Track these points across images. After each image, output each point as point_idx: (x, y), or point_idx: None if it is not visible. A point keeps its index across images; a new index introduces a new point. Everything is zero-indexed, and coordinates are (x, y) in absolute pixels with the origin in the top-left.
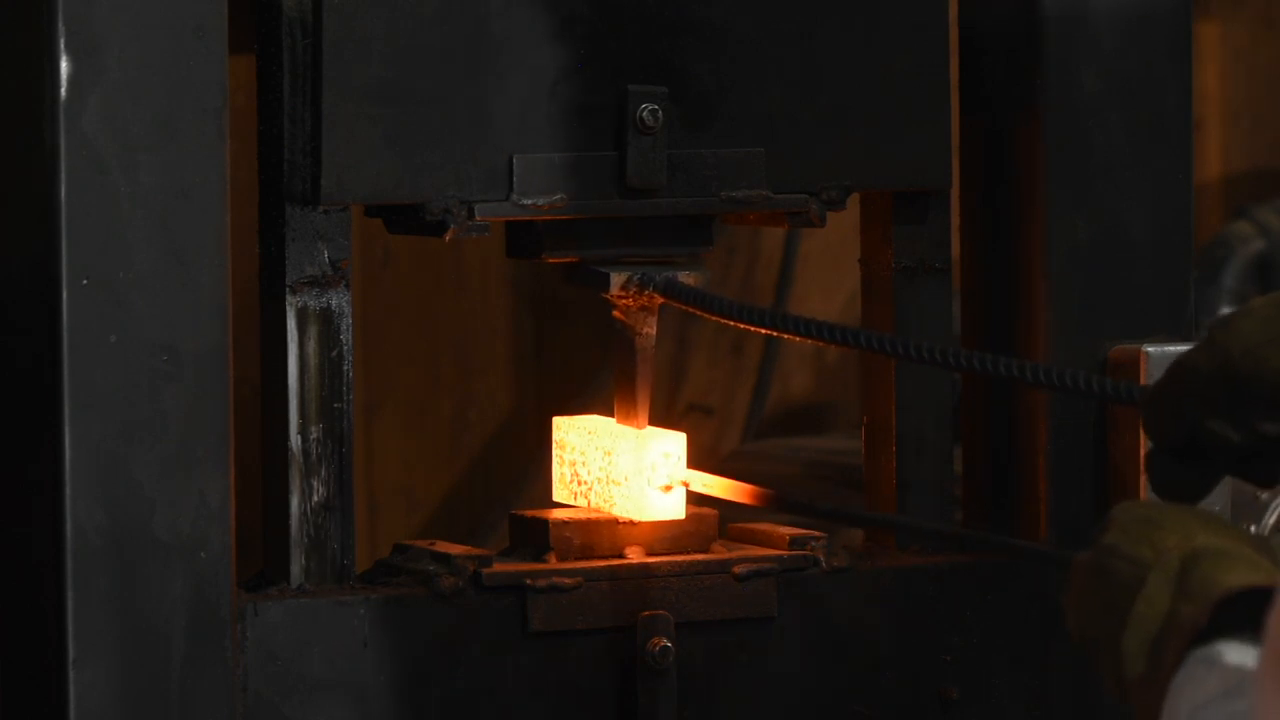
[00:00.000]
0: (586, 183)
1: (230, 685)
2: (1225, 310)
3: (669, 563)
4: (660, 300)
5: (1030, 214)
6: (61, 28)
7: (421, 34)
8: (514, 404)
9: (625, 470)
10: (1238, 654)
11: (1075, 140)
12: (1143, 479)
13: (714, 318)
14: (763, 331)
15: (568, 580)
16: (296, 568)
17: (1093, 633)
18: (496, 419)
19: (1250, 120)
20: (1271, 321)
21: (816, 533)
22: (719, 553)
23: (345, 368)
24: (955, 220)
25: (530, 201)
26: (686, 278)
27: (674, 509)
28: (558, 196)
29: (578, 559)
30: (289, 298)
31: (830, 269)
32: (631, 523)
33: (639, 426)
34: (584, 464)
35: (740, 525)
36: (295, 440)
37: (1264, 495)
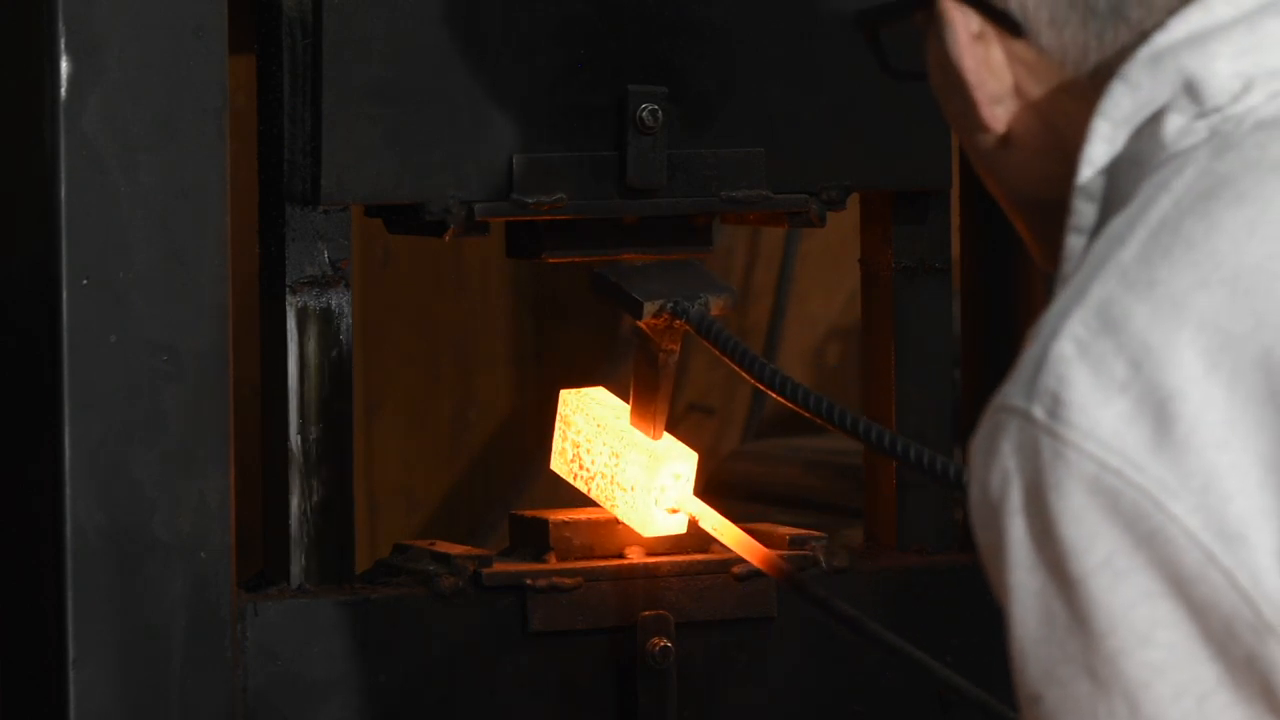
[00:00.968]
0: (586, 183)
1: (230, 685)
2: None
3: (669, 563)
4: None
5: None
6: (61, 28)
7: (421, 34)
8: (514, 404)
9: (633, 480)
10: None
11: None
12: None
13: (737, 369)
14: (770, 392)
15: (568, 580)
16: (296, 568)
17: None
18: (496, 419)
19: None
20: None
21: (816, 533)
22: (719, 553)
23: (345, 368)
24: (955, 220)
25: (530, 201)
26: (716, 304)
27: (677, 526)
28: (557, 196)
29: (578, 559)
30: (289, 298)
31: (830, 269)
32: None
33: (654, 437)
34: (588, 451)
35: (740, 525)
36: (295, 440)
37: None
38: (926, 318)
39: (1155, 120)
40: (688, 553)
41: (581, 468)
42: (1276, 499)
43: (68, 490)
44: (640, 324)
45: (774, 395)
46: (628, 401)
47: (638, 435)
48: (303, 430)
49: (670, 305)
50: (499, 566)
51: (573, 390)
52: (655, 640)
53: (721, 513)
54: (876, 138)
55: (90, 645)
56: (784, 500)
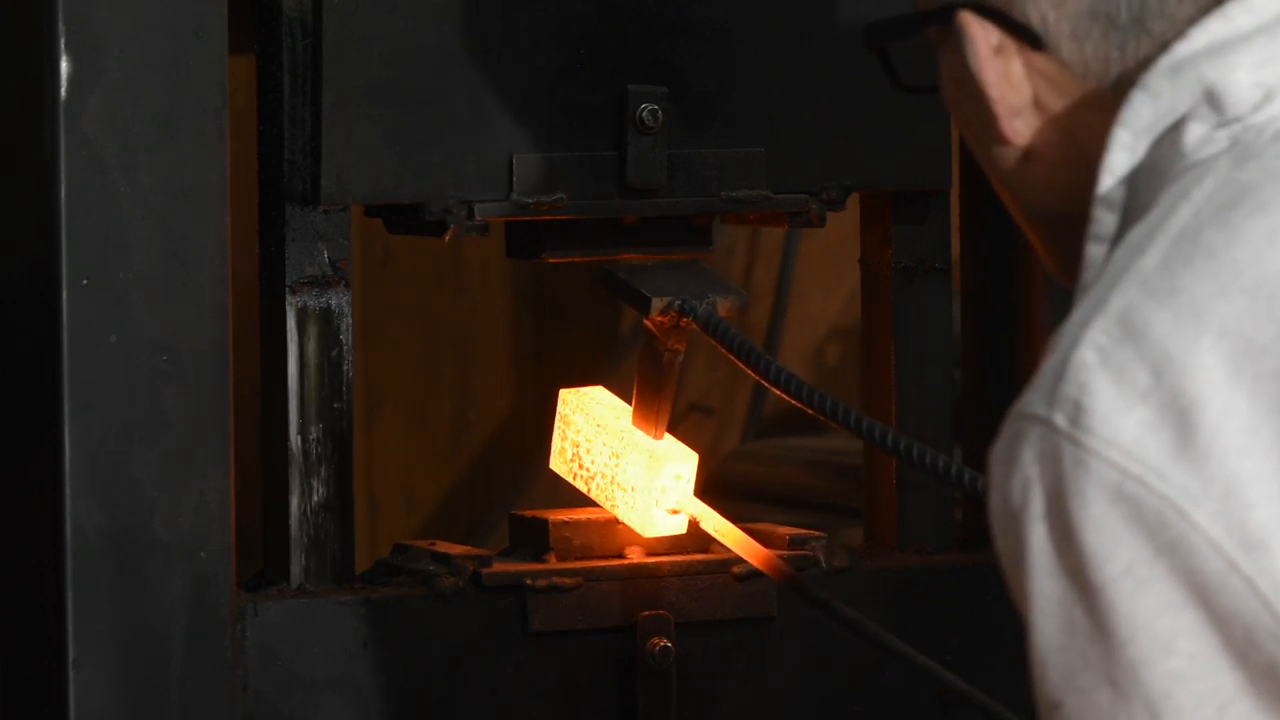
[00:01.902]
0: (586, 183)
1: (230, 685)
2: None
3: (669, 563)
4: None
5: None
6: (61, 28)
7: (421, 34)
8: (514, 404)
9: (633, 481)
10: None
11: None
12: None
13: (745, 368)
14: (781, 394)
15: (568, 580)
16: (296, 568)
17: None
18: (496, 419)
19: None
20: None
21: (816, 533)
22: (719, 553)
23: (345, 368)
24: (955, 220)
25: (530, 201)
26: (724, 305)
27: (677, 527)
28: (557, 196)
29: (578, 559)
30: (289, 298)
31: (830, 269)
32: None
33: (656, 437)
34: (588, 451)
35: (740, 525)
36: (295, 440)
37: None
38: (926, 318)
39: (1176, 129)
40: (688, 553)
41: (581, 467)
42: None
43: (68, 490)
44: (647, 322)
45: (785, 396)
46: (628, 401)
47: (638, 435)
48: (303, 430)
49: (678, 303)
50: (499, 566)
51: (572, 390)
52: (655, 640)
53: (721, 513)
54: (876, 138)
55: (90, 645)
56: (784, 500)
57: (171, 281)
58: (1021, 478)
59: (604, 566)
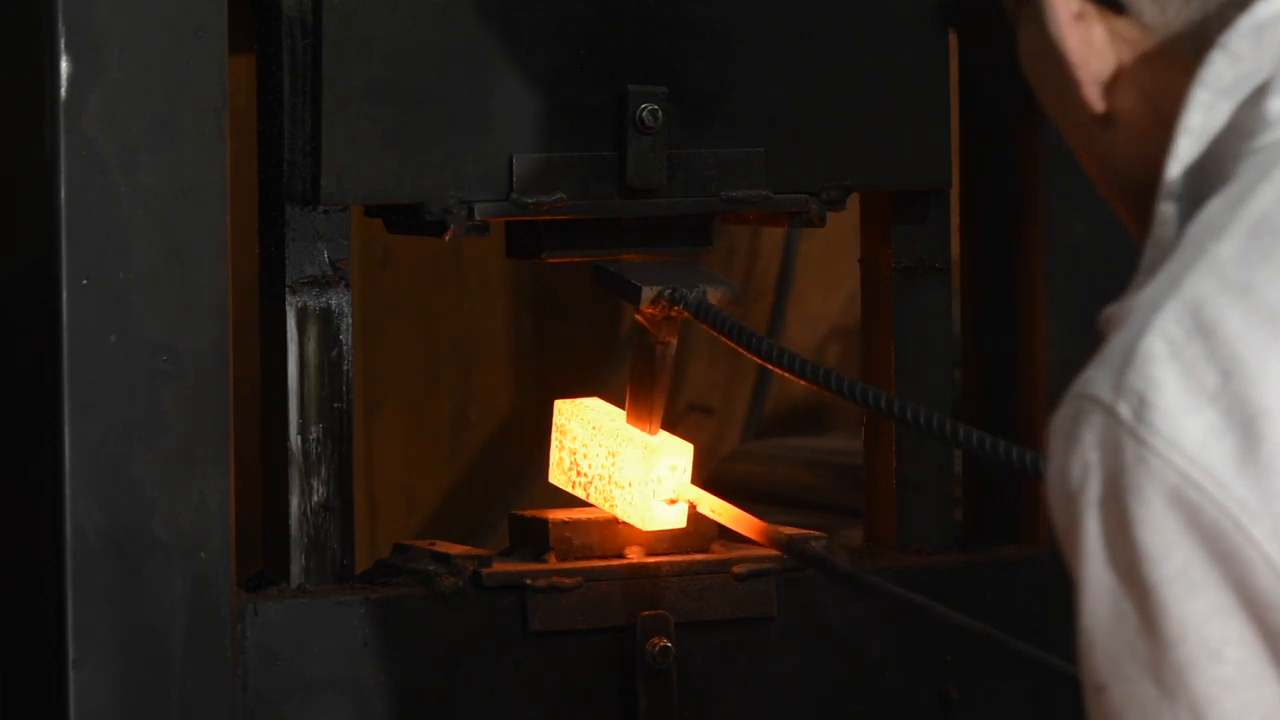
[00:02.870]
0: (586, 183)
1: (230, 685)
2: None
3: (669, 563)
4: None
5: (1030, 214)
6: (61, 28)
7: (421, 34)
8: (514, 404)
9: (630, 476)
10: None
11: None
12: None
13: (737, 348)
14: (779, 370)
15: (568, 580)
16: (296, 568)
17: None
18: (496, 419)
19: None
20: None
21: (816, 533)
22: (719, 553)
23: (345, 368)
24: (955, 220)
25: (530, 201)
26: (714, 294)
27: (676, 519)
28: (557, 196)
29: (578, 559)
30: (289, 298)
31: (830, 269)
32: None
33: (651, 432)
34: (585, 456)
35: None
36: (295, 440)
37: None
38: (926, 318)
39: (1259, 94)
40: (687, 553)
41: (579, 474)
42: None
43: (68, 490)
44: (639, 316)
45: (785, 374)
46: (623, 407)
47: (634, 432)
48: (303, 430)
49: (669, 293)
50: (499, 566)
51: (567, 400)
52: (655, 640)
53: None
54: (876, 138)
55: (90, 645)
56: (784, 500)
57: (171, 281)
58: (1081, 460)
59: (604, 566)
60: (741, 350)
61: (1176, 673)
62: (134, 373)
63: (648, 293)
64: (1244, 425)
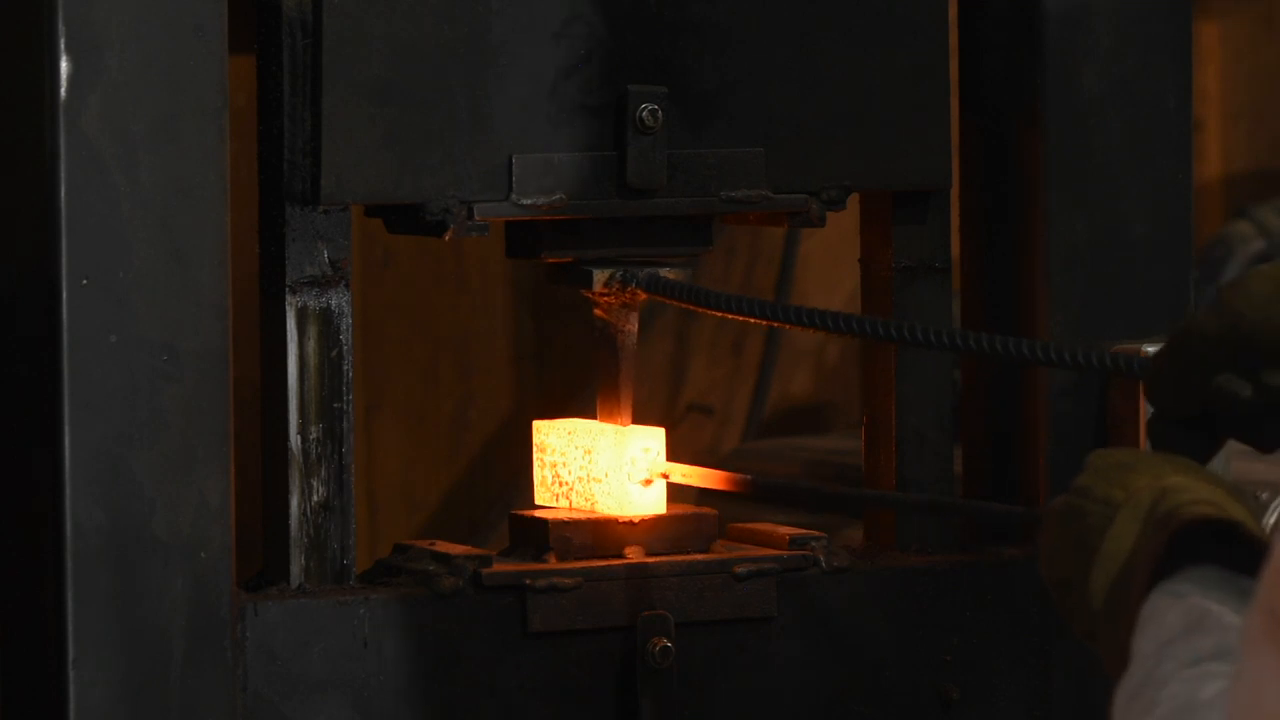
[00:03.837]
0: (586, 183)
1: (230, 685)
2: None
3: (669, 563)
4: (643, 297)
5: (1030, 214)
6: (61, 28)
7: (421, 34)
8: (514, 404)
9: (605, 467)
10: (1200, 589)
11: (1075, 140)
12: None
13: (696, 308)
14: (745, 319)
15: (568, 580)
16: (296, 568)
17: (1063, 573)
18: (496, 419)
19: (1250, 120)
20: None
21: (817, 532)
22: (719, 553)
23: (345, 368)
24: (955, 220)
25: (530, 201)
26: (669, 274)
27: (655, 503)
28: (557, 196)
29: (578, 559)
30: (289, 298)
31: (830, 269)
32: (631, 523)
33: (623, 424)
34: (564, 465)
35: (740, 525)
36: (295, 440)
37: (1264, 496)
38: (926, 318)
39: None
40: (688, 553)
41: (561, 484)
42: None
43: (68, 490)
44: (597, 310)
45: (756, 320)
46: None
47: (606, 427)
48: (303, 430)
49: (620, 274)
50: (499, 566)
51: (544, 420)
52: (655, 640)
53: (721, 512)
54: (876, 138)
55: (90, 645)
56: (784, 500)
57: (171, 281)
58: None
59: (604, 566)
60: (703, 310)
61: None
62: (134, 373)
63: (599, 275)
64: None
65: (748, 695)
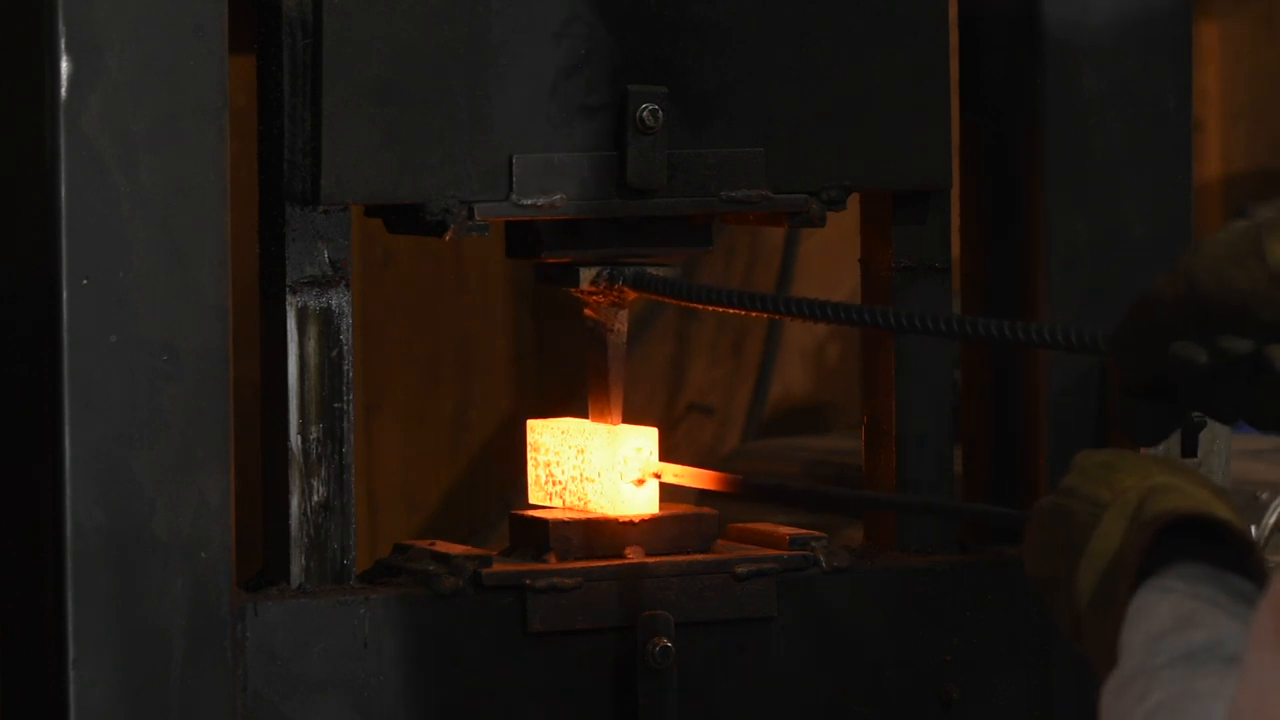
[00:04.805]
0: (586, 183)
1: (230, 685)
2: None
3: (669, 563)
4: (631, 296)
5: (1030, 214)
6: (61, 28)
7: (421, 34)
8: (514, 404)
9: (598, 466)
10: (1189, 584)
11: (1075, 140)
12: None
13: (683, 303)
14: (733, 312)
15: (568, 580)
16: (296, 568)
17: (1050, 572)
18: (496, 419)
19: (1250, 120)
20: (1234, 243)
21: (817, 533)
22: (719, 553)
23: (345, 368)
24: (955, 220)
25: (530, 201)
26: (655, 272)
27: (648, 503)
28: (557, 196)
29: (578, 559)
30: (289, 298)
31: (830, 269)
32: (631, 523)
33: (614, 423)
34: (558, 464)
35: (740, 525)
36: (295, 440)
37: (1264, 496)
38: None
39: None
40: (688, 553)
41: (555, 483)
42: None
43: (68, 490)
44: (586, 310)
45: (738, 311)
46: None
47: (599, 426)
48: (303, 430)
49: (607, 271)
50: (499, 566)
51: (538, 420)
52: (655, 640)
53: (721, 512)
54: (876, 138)
55: (90, 645)
56: (784, 500)
57: (171, 281)
58: None
59: (604, 566)
60: (693, 304)
61: None
62: (134, 373)
63: (586, 273)
64: None
65: (748, 695)
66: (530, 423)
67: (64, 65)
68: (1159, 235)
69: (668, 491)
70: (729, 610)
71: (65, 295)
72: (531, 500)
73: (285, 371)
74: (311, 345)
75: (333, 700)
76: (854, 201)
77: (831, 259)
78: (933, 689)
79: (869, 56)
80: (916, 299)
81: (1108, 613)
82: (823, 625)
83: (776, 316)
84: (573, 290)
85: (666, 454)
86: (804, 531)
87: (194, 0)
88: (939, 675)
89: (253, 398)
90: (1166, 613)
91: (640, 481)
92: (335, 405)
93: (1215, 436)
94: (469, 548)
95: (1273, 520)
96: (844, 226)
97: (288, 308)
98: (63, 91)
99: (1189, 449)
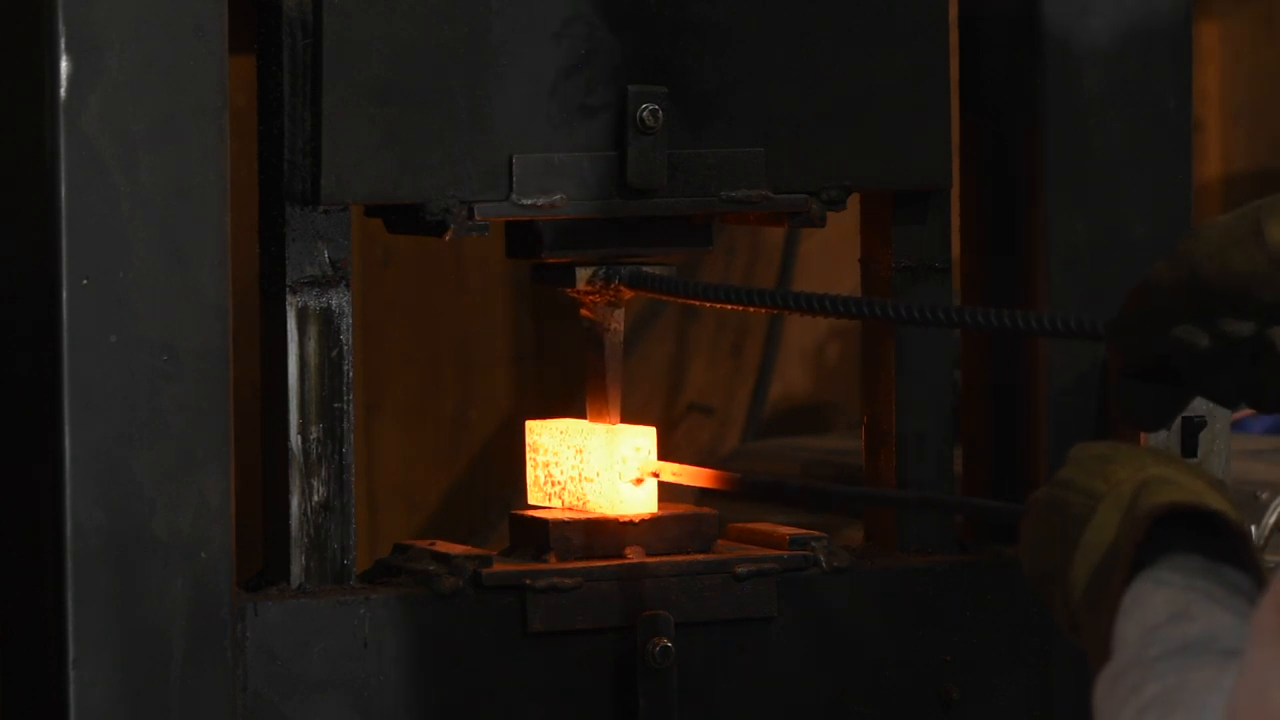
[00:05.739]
0: (586, 183)
1: (230, 685)
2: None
3: (669, 563)
4: (628, 295)
5: (1030, 214)
6: (61, 28)
7: (421, 34)
8: (514, 404)
9: (597, 466)
10: (1184, 576)
11: (1075, 140)
12: None
13: (679, 300)
14: (729, 309)
15: (568, 580)
16: (296, 568)
17: (1045, 565)
18: (496, 419)
19: (1250, 120)
20: (1233, 227)
21: (817, 533)
22: (719, 553)
23: (345, 368)
24: (955, 220)
25: (530, 201)
26: (652, 270)
27: (646, 502)
28: (557, 196)
29: (578, 559)
30: (289, 298)
31: (830, 269)
32: (631, 522)
33: (612, 423)
34: (556, 464)
35: (741, 525)
36: (295, 440)
37: (1264, 495)
38: None
39: None
40: (688, 553)
41: (554, 484)
42: None
43: (68, 490)
44: (583, 310)
45: (734, 307)
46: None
47: (598, 426)
48: (303, 430)
49: (604, 271)
50: (499, 566)
51: (537, 421)
52: (655, 640)
53: (721, 512)
54: (876, 138)
55: (90, 645)
56: (784, 500)
57: (171, 281)
58: None
59: (604, 566)
60: (688, 301)
61: None
62: (134, 373)
63: (582, 273)
64: None
65: (748, 695)
66: (529, 423)
67: (64, 65)
68: (1159, 235)
69: (667, 491)
70: (729, 610)
71: (65, 295)
72: (531, 501)
73: (285, 371)
74: (311, 345)
75: (333, 700)
76: (854, 201)
77: (831, 259)
78: (933, 689)
79: (869, 56)
80: (916, 299)
81: (1102, 605)
82: (823, 625)
83: (771, 311)
84: (569, 290)
85: (666, 454)
86: (804, 531)
87: (194, 0)
88: (939, 675)
89: (253, 398)
90: (1161, 605)
91: (639, 481)
92: (335, 405)
93: (1215, 436)
94: (469, 548)
95: (1273, 520)
96: (844, 226)
97: (288, 308)
98: (63, 91)
99: (1189, 449)
